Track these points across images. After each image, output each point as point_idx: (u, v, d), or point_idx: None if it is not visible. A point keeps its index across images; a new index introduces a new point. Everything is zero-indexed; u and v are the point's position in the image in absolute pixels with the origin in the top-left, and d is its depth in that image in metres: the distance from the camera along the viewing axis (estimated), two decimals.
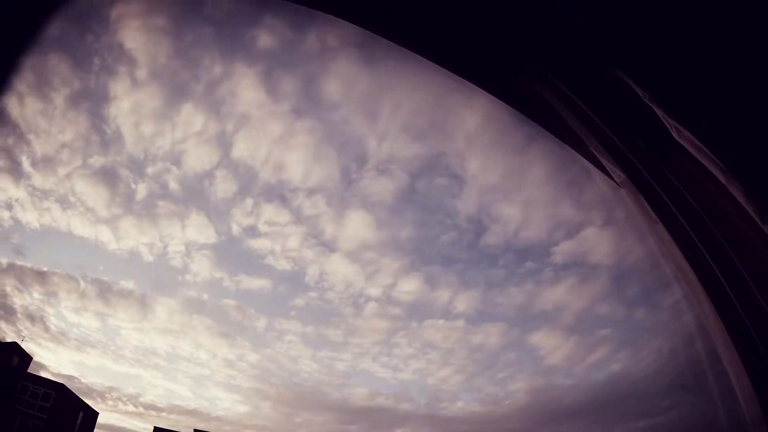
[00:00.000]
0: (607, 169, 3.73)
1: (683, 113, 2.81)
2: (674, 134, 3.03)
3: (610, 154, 3.60)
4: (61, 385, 27.95)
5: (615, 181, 3.77)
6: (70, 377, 36.47)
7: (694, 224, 3.69)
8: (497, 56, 3.78)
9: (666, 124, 2.98)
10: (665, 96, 2.79)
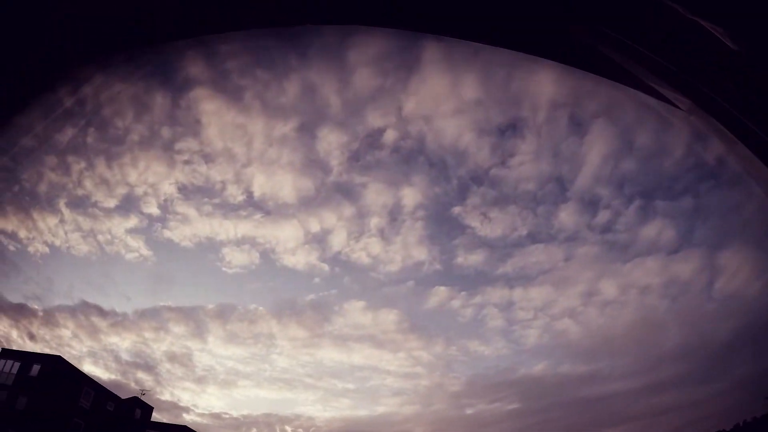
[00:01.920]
0: (671, 99, 3.88)
1: (729, 19, 3.01)
2: (728, 43, 3.21)
3: (670, 84, 3.77)
4: (184, 427, 30.10)
5: (682, 110, 3.90)
6: (217, 415, 36.50)
7: None
8: (546, 23, 4.18)
9: (717, 35, 3.18)
10: (706, 4, 3.01)
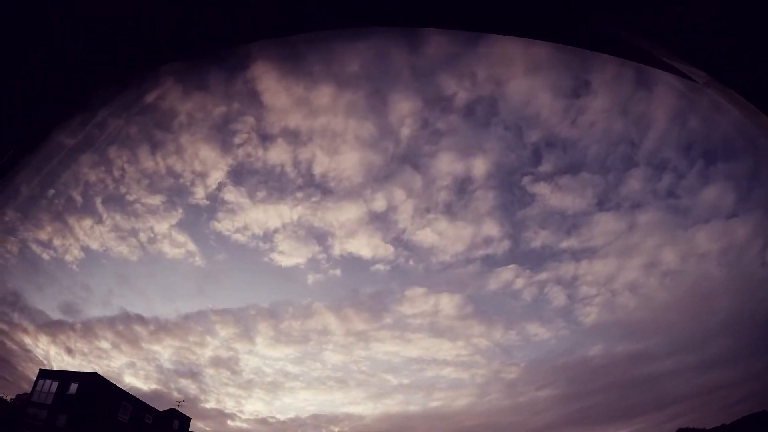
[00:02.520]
0: (688, 74, 4.03)
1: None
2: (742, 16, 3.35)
3: (685, 59, 3.93)
4: None
5: (698, 83, 4.04)
6: (264, 420, 34.41)
7: None
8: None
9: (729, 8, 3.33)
10: None
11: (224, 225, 34.05)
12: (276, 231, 33.55)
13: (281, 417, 36.26)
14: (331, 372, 36.45)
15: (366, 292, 36.69)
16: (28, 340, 31.61)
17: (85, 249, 31.68)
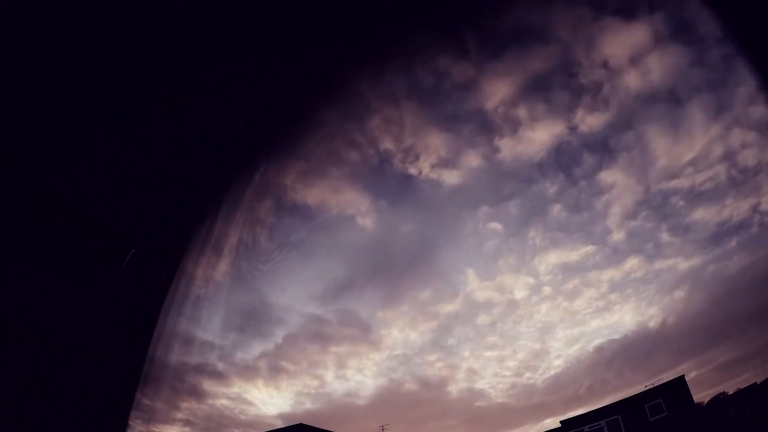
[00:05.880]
0: None
1: None
2: None
3: None
4: None
5: None
6: (528, 386, 31.43)
7: None
8: None
9: None
10: None
11: None
12: None
13: (559, 361, 30.32)
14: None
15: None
16: (235, 390, 32.08)
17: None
